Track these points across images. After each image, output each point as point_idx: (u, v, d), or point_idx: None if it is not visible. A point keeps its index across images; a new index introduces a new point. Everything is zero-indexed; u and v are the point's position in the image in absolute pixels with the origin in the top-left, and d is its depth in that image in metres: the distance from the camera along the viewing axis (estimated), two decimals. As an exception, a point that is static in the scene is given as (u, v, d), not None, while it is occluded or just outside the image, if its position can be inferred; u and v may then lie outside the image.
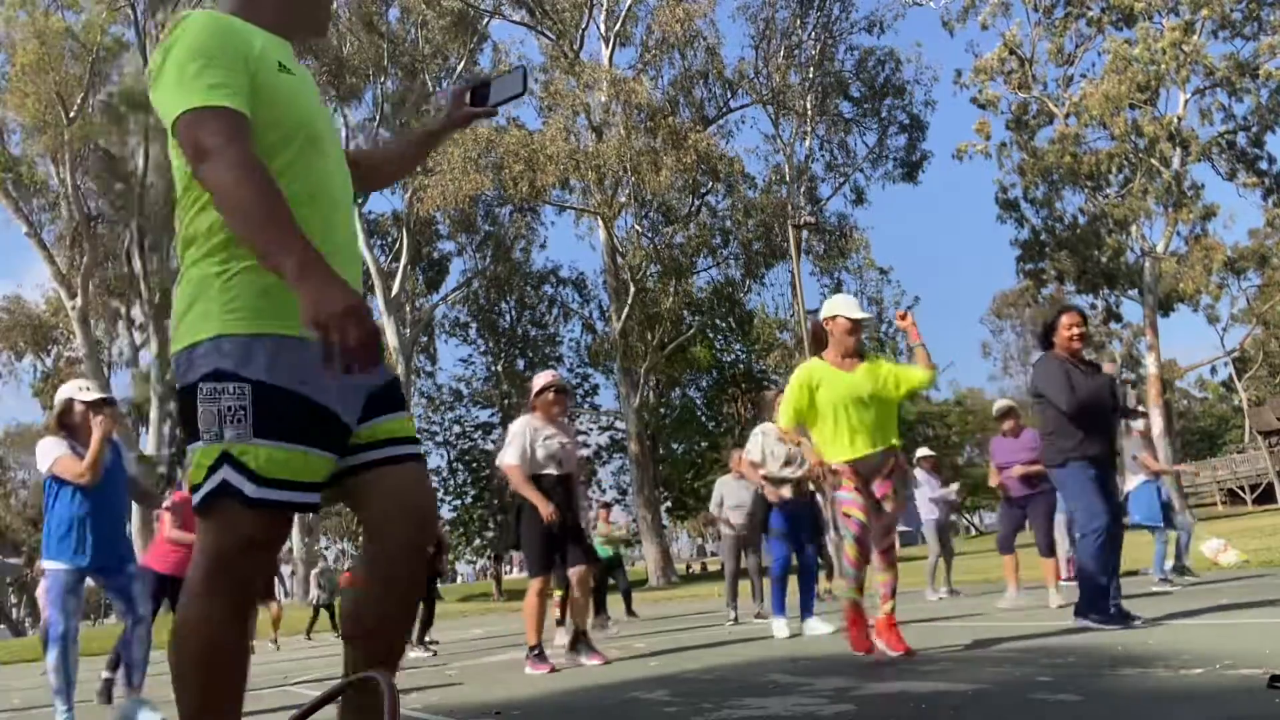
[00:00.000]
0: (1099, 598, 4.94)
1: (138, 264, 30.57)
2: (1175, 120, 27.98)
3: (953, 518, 11.57)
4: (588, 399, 36.90)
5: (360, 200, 25.68)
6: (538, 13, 31.17)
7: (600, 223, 29.35)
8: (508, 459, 5.64)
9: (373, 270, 29.94)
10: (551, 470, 5.65)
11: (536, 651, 5.54)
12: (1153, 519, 8.24)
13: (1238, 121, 29.29)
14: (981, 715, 2.73)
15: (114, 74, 30.83)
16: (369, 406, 1.87)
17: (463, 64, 31.54)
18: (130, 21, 29.82)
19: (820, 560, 8.97)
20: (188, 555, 6.50)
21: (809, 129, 32.99)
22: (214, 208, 1.71)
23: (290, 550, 31.27)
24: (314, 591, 17.90)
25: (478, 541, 35.97)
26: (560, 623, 8.56)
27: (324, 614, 17.67)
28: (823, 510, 7.24)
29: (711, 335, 34.43)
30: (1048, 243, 30.33)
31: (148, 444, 30.31)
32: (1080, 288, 30.00)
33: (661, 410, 33.62)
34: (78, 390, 4.83)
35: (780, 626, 6.47)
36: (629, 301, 28.85)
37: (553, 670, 5.35)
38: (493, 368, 36.59)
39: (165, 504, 6.62)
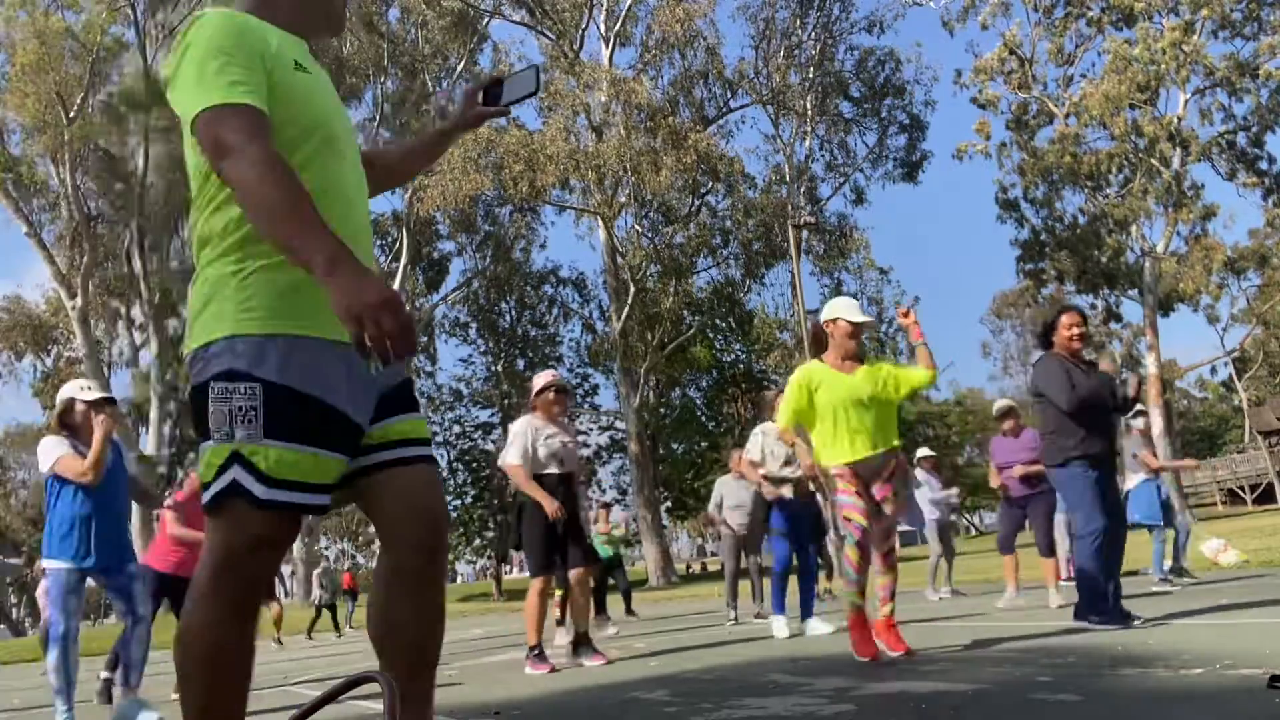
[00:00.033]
0: (1098, 600, 4.95)
1: (138, 264, 30.50)
2: (1175, 120, 27.97)
3: (953, 518, 11.58)
4: (588, 399, 36.89)
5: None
6: (538, 13, 31.18)
7: (600, 223, 29.35)
8: (510, 459, 5.66)
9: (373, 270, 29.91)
10: (553, 469, 5.68)
11: (536, 651, 5.54)
12: (1152, 518, 8.24)
13: (1238, 121, 29.28)
14: (981, 715, 2.73)
15: (114, 74, 30.77)
16: (381, 407, 1.86)
17: (463, 64, 31.56)
18: (130, 21, 29.75)
19: (820, 560, 8.98)
20: (189, 555, 6.52)
21: (809, 129, 32.98)
22: (235, 205, 1.71)
23: (291, 550, 31.21)
24: (315, 591, 17.93)
25: (478, 541, 35.96)
26: (560, 623, 8.56)
27: (325, 614, 17.71)
28: (824, 511, 7.24)
29: (711, 335, 34.42)
30: (1048, 243, 30.31)
31: (148, 444, 30.26)
32: (1080, 288, 29.98)
33: (661, 410, 33.62)
34: (79, 390, 4.83)
35: (780, 625, 6.47)
36: (629, 301, 28.85)
37: (553, 670, 5.36)
38: (493, 368, 36.55)
39: (166, 503, 6.62)
